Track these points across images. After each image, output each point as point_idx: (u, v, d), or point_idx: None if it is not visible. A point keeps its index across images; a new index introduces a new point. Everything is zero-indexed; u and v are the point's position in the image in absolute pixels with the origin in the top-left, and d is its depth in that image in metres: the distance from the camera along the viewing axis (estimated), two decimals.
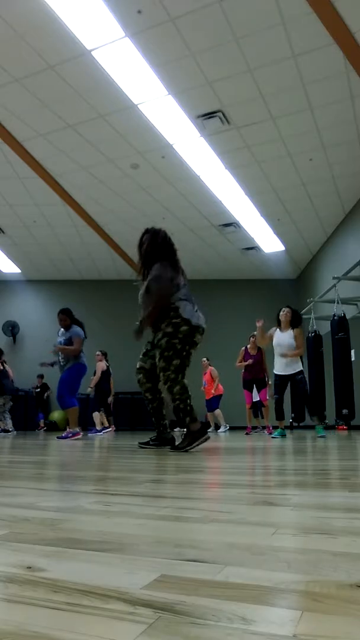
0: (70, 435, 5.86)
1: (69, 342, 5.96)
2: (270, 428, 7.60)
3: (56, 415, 12.15)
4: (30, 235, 10.65)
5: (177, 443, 3.47)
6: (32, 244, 11.13)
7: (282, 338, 5.68)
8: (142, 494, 1.33)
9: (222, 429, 9.52)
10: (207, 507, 1.13)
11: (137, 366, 3.75)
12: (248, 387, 7.86)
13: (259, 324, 5.88)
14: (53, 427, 12.06)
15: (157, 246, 3.59)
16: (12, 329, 13.00)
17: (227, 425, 9.61)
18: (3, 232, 10.50)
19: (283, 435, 5.82)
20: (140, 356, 3.76)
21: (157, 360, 3.49)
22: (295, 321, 5.76)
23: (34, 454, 3.22)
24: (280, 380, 5.68)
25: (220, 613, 0.50)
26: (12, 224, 10.15)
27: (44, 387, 12.18)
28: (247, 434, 7.65)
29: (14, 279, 13.16)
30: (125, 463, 2.40)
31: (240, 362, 7.84)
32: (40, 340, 12.93)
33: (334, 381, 7.97)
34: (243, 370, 7.83)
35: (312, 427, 9.86)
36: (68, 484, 1.57)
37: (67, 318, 6.08)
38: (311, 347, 9.15)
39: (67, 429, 6.14)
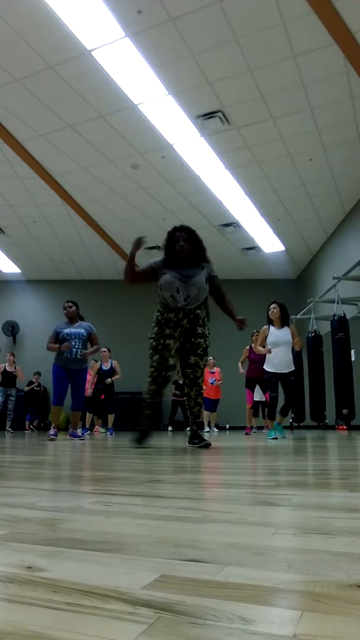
0: (84, 434, 5.88)
1: (88, 337, 5.76)
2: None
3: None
4: (30, 235, 10.65)
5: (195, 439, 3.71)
6: (32, 244, 11.13)
7: (279, 335, 5.50)
8: (142, 494, 1.33)
9: (214, 430, 9.59)
10: (207, 507, 1.13)
11: (171, 363, 3.66)
12: (251, 386, 7.82)
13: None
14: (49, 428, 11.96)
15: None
16: (12, 329, 13.00)
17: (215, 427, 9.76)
18: (3, 232, 10.51)
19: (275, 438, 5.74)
20: (173, 353, 3.64)
21: (198, 362, 3.69)
22: (286, 316, 5.61)
23: (34, 454, 3.22)
24: (276, 377, 5.53)
25: (220, 613, 0.50)
26: (12, 224, 10.15)
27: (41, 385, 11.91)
28: (246, 434, 7.61)
29: (14, 279, 13.16)
30: (125, 463, 2.40)
31: (243, 361, 7.80)
32: (40, 340, 12.92)
33: (334, 381, 7.96)
34: (247, 369, 7.80)
35: (312, 427, 9.88)
36: (68, 484, 1.57)
37: (75, 307, 5.86)
38: (311, 347, 9.14)
39: (73, 429, 5.98)
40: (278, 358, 5.50)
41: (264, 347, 5.59)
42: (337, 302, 8.25)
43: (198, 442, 3.67)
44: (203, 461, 2.51)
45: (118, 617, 0.49)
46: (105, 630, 0.46)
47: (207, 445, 3.63)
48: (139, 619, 0.49)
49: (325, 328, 9.40)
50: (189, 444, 3.73)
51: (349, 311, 8.76)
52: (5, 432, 9.66)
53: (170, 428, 10.95)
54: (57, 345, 5.61)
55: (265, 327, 5.66)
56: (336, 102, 6.33)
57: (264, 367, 5.66)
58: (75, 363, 5.63)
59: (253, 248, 11.08)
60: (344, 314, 8.11)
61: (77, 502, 1.19)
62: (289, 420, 10.11)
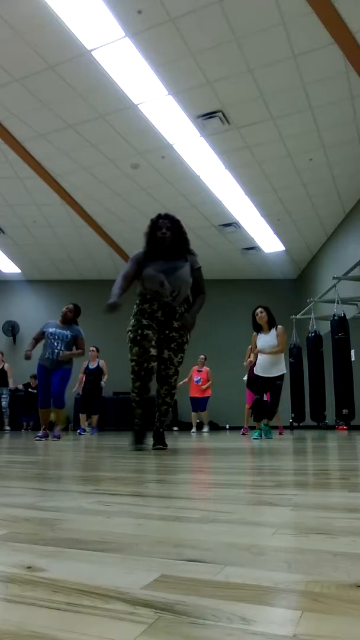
0: (59, 435, 5.74)
1: (74, 341, 5.57)
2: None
3: (53, 415, 12.06)
4: (30, 235, 10.65)
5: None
6: (32, 244, 11.13)
7: (266, 340, 5.56)
8: (142, 494, 1.33)
9: (206, 429, 9.54)
10: (207, 507, 1.13)
11: (153, 353, 3.32)
12: (252, 386, 7.76)
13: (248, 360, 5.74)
14: (51, 427, 11.97)
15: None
16: (12, 329, 13.00)
17: (209, 426, 9.73)
18: (3, 232, 10.50)
19: (262, 436, 5.62)
20: (154, 343, 3.34)
21: (172, 358, 3.39)
22: (272, 320, 5.60)
23: (34, 454, 3.22)
24: (263, 381, 5.59)
25: (220, 613, 0.50)
26: (12, 224, 10.15)
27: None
28: (243, 434, 7.57)
29: (14, 279, 13.16)
30: (125, 463, 2.40)
31: (249, 357, 7.74)
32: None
33: (334, 381, 7.96)
34: (249, 369, 7.77)
35: (312, 427, 9.88)
36: (68, 484, 1.57)
37: (73, 312, 5.71)
38: (311, 347, 9.14)
39: (57, 429, 5.89)
40: (264, 362, 5.57)
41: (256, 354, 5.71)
42: (337, 302, 8.25)
43: (163, 446, 3.42)
44: (203, 461, 2.51)
45: (118, 617, 0.49)
46: (105, 630, 0.46)
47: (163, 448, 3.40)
48: (139, 619, 0.49)
49: (325, 328, 9.40)
50: (153, 447, 3.42)
51: (349, 311, 8.75)
52: (2, 431, 9.72)
53: (176, 428, 10.95)
54: (30, 347, 5.47)
55: (254, 334, 5.69)
56: (336, 102, 6.33)
57: (254, 369, 5.75)
58: (56, 364, 5.44)
59: (253, 248, 11.08)
60: (344, 314, 8.11)
61: (77, 502, 1.19)
62: (288, 419, 10.13)
